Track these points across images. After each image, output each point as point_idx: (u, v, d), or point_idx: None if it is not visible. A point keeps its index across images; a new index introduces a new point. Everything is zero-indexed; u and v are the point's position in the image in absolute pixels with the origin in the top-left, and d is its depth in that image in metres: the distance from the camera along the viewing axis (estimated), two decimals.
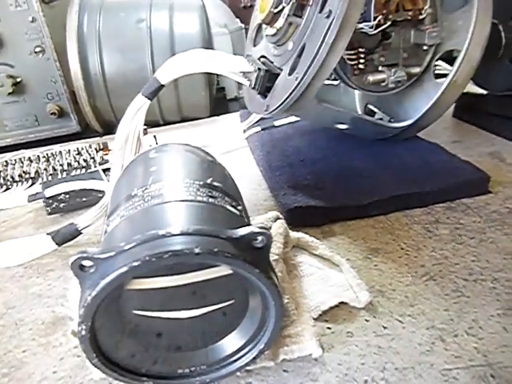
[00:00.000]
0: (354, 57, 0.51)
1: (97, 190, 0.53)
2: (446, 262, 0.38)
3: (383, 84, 0.53)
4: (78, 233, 0.44)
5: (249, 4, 1.41)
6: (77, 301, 0.31)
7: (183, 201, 0.25)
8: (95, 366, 0.25)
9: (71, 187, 0.52)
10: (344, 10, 0.37)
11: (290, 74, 0.43)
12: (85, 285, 0.23)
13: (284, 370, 0.29)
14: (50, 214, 0.53)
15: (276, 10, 0.46)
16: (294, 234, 0.41)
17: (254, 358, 0.27)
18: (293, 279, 0.36)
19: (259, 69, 0.46)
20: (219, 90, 1.03)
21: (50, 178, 0.62)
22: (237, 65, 0.47)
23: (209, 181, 0.28)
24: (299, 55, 0.43)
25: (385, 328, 0.32)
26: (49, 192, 0.52)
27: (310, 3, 0.42)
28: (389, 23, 0.49)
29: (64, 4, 0.88)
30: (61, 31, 0.87)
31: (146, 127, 0.67)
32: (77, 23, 0.78)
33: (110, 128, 0.91)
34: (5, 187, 0.61)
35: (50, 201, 0.52)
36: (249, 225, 0.25)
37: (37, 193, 0.53)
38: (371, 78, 0.53)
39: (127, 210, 0.26)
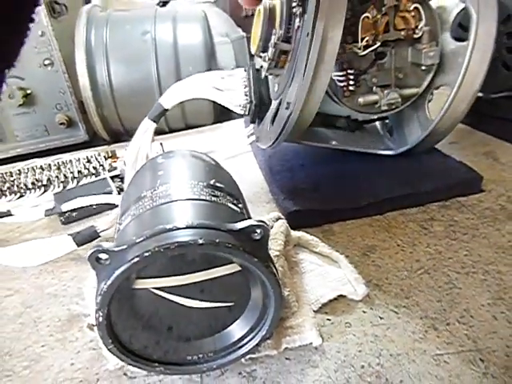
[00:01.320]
0: (343, 78, 0.49)
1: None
2: (439, 256, 0.40)
3: (377, 106, 0.51)
4: (97, 235, 0.46)
5: (250, 13, 1.44)
6: (92, 297, 0.34)
7: (188, 199, 0.28)
8: (111, 352, 0.27)
9: (86, 202, 0.54)
10: (321, 31, 0.37)
11: (284, 107, 0.44)
12: (101, 276, 0.25)
13: (286, 358, 0.31)
14: (64, 223, 0.56)
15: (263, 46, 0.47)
16: (294, 233, 0.43)
17: (257, 345, 0.29)
18: (294, 275, 0.38)
19: (251, 101, 0.49)
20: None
21: (61, 185, 0.64)
22: (234, 97, 0.51)
23: (212, 182, 0.30)
24: (290, 84, 0.43)
25: (381, 318, 0.34)
26: (65, 207, 0.54)
27: (296, 27, 0.43)
28: (378, 44, 0.48)
29: (71, 18, 0.91)
30: (69, 44, 0.90)
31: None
32: (85, 36, 0.81)
33: (117, 136, 0.94)
34: (18, 194, 0.64)
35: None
36: (249, 219, 0.28)
37: (53, 207, 0.56)
38: (362, 99, 0.51)
39: (137, 210, 0.28)
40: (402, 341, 0.31)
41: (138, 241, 0.24)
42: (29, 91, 0.93)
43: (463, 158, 0.54)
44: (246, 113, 0.51)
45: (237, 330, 0.29)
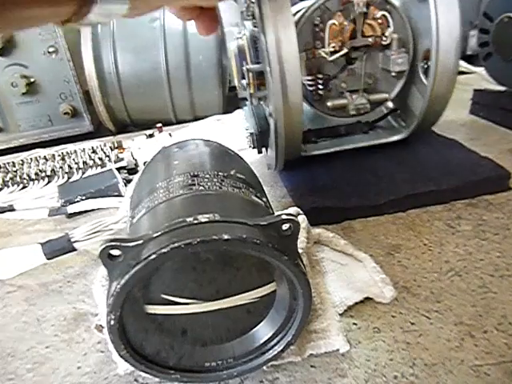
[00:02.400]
0: (312, 82, 0.51)
1: (113, 192, 0.53)
2: (470, 257, 0.37)
3: (346, 110, 0.53)
4: (71, 247, 0.42)
5: None
6: (101, 295, 0.31)
7: (208, 190, 0.25)
8: (123, 358, 0.24)
9: (93, 206, 0.52)
10: (272, 33, 0.40)
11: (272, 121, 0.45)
12: (113, 274, 0.22)
13: (311, 366, 0.29)
14: (68, 217, 0.53)
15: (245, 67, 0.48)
16: (314, 230, 0.40)
17: (282, 351, 0.27)
18: (316, 275, 0.35)
19: (251, 133, 0.51)
20: (231, 88, 1.03)
21: (65, 176, 0.62)
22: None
23: (232, 172, 0.28)
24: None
25: (412, 324, 0.31)
26: (71, 209, 0.52)
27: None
28: (345, 50, 0.49)
29: None
30: (73, 31, 0.87)
31: (160, 125, 0.67)
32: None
33: (123, 127, 0.91)
34: (21, 185, 0.61)
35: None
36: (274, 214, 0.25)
37: (59, 208, 0.53)
38: (330, 103, 0.52)
39: (152, 201, 0.25)
40: (437, 349, 0.29)
41: (155, 235, 0.22)
42: (32, 79, 0.91)
43: (486, 154, 0.52)
44: (251, 145, 0.53)
45: (260, 333, 0.27)
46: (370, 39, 0.49)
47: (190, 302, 0.25)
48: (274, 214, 0.28)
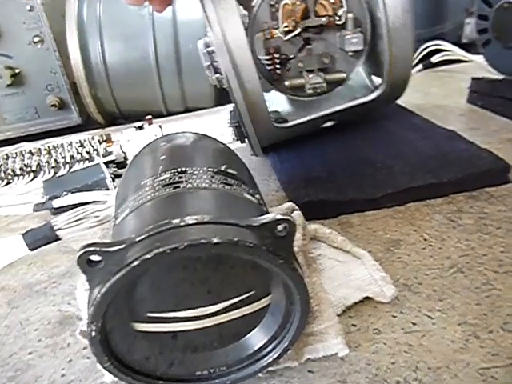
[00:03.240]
0: (269, 62, 0.51)
1: (101, 187, 0.51)
2: (473, 253, 0.36)
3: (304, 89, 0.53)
4: (54, 236, 0.40)
5: None
6: (85, 299, 0.29)
7: (197, 188, 0.23)
8: (107, 370, 0.23)
9: (79, 200, 0.50)
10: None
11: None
12: (94, 281, 0.21)
13: (309, 371, 0.27)
14: (54, 213, 0.51)
15: (208, 63, 0.50)
16: (310, 226, 0.38)
17: (278, 358, 0.25)
18: (312, 273, 0.34)
19: (233, 123, 0.54)
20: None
21: (51, 171, 0.60)
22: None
23: (223, 168, 0.26)
24: None
25: (414, 324, 0.30)
26: (56, 203, 0.50)
27: None
28: (299, 29, 0.50)
29: None
30: (60, 20, 0.84)
31: (150, 117, 0.65)
32: (76, 11, 0.75)
33: (112, 119, 0.89)
34: (6, 181, 0.59)
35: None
36: (268, 213, 0.23)
37: (44, 203, 0.51)
38: (288, 83, 0.53)
39: (137, 201, 0.23)
40: (441, 351, 0.27)
41: (138, 239, 0.20)
42: (17, 70, 0.88)
43: (486, 145, 0.50)
44: (234, 136, 0.54)
45: (254, 339, 0.25)
46: (323, 19, 0.49)
47: (180, 316, 0.23)
48: (267, 211, 0.26)
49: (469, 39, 1.13)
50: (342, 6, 0.49)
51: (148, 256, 0.19)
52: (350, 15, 0.49)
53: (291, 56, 0.52)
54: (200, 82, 0.79)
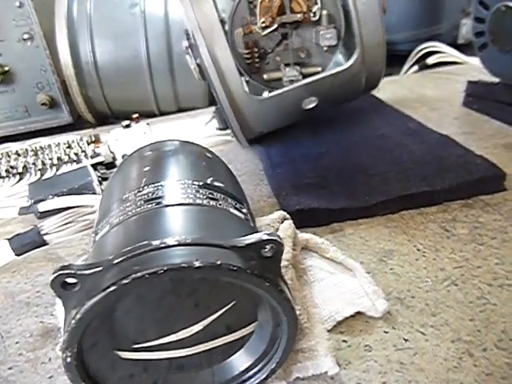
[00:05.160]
0: (248, 56, 0.54)
1: (88, 191, 0.50)
2: (467, 264, 0.35)
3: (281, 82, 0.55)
4: (42, 241, 0.39)
5: None
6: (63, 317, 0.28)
7: (180, 205, 0.22)
8: None
9: (65, 204, 0.48)
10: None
11: None
12: (69, 305, 0.19)
13: None
14: (39, 218, 0.50)
15: (193, 66, 0.54)
16: (302, 235, 0.38)
17: (265, 379, 0.25)
18: (303, 286, 0.33)
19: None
20: None
21: (38, 173, 0.58)
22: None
23: (209, 181, 0.25)
24: None
25: (406, 341, 0.29)
26: (42, 207, 0.49)
27: None
28: (276, 25, 0.52)
29: None
30: (50, 17, 0.82)
31: (137, 115, 0.64)
32: (66, 8, 0.73)
33: (103, 119, 0.87)
34: None
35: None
36: (256, 231, 0.22)
37: (29, 206, 0.50)
38: (266, 76, 0.55)
39: (117, 217, 0.22)
40: (434, 370, 0.27)
41: (115, 262, 0.19)
42: (6, 68, 0.86)
43: (481, 150, 0.49)
44: (219, 126, 0.60)
45: (240, 360, 0.24)
46: (298, 15, 0.52)
47: (164, 341, 0.22)
48: (255, 228, 0.25)
49: (465, 40, 1.13)
50: (316, 3, 0.52)
51: (125, 281, 0.18)
52: (324, 12, 0.52)
53: (269, 50, 0.55)
54: (193, 81, 0.77)
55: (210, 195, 0.24)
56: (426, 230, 0.40)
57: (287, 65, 0.55)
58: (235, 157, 0.61)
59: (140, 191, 0.24)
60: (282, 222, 0.37)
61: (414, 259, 0.36)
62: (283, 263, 0.31)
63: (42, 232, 0.40)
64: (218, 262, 0.18)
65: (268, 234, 0.20)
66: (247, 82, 0.57)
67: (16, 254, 0.40)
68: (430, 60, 0.86)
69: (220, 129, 0.58)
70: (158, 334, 0.23)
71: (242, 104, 0.51)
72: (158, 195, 0.23)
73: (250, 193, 0.50)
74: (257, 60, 0.55)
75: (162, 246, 0.19)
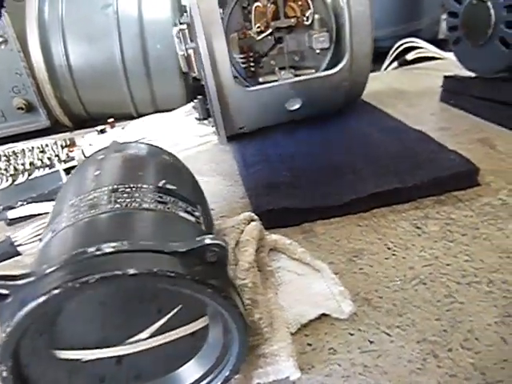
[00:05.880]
0: (244, 60, 0.56)
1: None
2: (436, 262, 0.34)
3: None
4: (15, 251, 0.39)
5: None
6: None
7: (124, 209, 0.21)
8: None
9: (35, 211, 0.48)
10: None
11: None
12: (2, 317, 0.18)
13: None
14: (9, 224, 0.49)
15: (182, 52, 0.55)
16: (270, 236, 0.37)
17: None
18: (268, 288, 0.32)
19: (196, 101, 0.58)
20: (195, 78, 0.98)
21: (10, 179, 0.57)
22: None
23: (160, 184, 0.24)
24: None
25: (371, 343, 0.28)
26: (12, 214, 0.48)
27: None
28: (270, 30, 0.54)
29: None
30: (23, 20, 0.81)
31: (112, 120, 0.62)
32: (37, 10, 0.72)
33: (80, 122, 0.86)
34: None
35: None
36: (208, 233, 0.21)
37: None
38: (261, 79, 0.57)
39: (60, 223, 0.21)
40: (397, 372, 0.26)
41: (48, 271, 0.18)
42: None
43: (456, 145, 0.49)
44: (199, 116, 0.59)
45: (192, 369, 0.23)
46: (292, 20, 0.54)
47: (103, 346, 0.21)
48: (210, 231, 0.24)
49: (446, 35, 1.13)
50: (309, 8, 0.54)
51: (56, 292, 0.17)
52: (316, 16, 0.54)
53: (263, 54, 0.56)
54: (170, 82, 0.76)
55: (159, 199, 0.23)
56: (397, 228, 0.39)
57: (282, 68, 0.57)
58: (211, 158, 0.60)
59: (86, 196, 0.23)
60: (249, 224, 0.36)
61: (384, 258, 0.36)
62: (244, 266, 0.30)
63: (16, 243, 0.40)
64: (155, 269, 0.17)
65: (211, 239, 0.19)
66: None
67: None
68: (410, 56, 0.86)
69: (199, 119, 0.59)
70: (109, 341, 0.22)
71: (228, 91, 0.51)
72: (102, 200, 0.22)
73: (224, 193, 0.50)
74: (252, 64, 0.56)
75: (98, 253, 0.18)
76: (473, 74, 0.63)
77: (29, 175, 0.58)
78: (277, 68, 0.57)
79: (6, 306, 0.18)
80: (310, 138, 0.57)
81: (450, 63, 0.82)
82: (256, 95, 0.53)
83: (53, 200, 0.49)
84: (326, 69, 0.57)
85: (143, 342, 0.22)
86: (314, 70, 0.57)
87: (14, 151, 0.63)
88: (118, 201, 0.22)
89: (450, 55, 0.82)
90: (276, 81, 0.55)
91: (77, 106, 0.80)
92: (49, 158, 0.60)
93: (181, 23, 0.51)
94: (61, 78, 0.75)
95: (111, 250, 0.18)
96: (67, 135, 0.75)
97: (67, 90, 0.76)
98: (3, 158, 0.62)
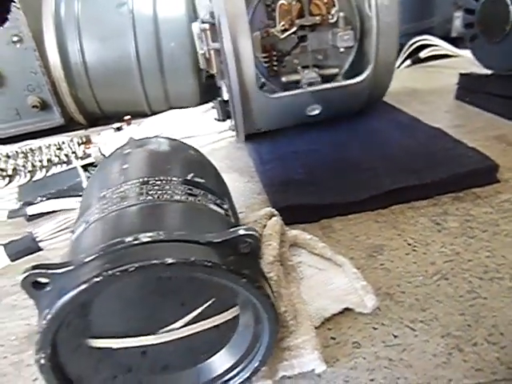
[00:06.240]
0: (267, 59, 0.55)
1: (77, 192, 0.49)
2: (457, 258, 0.34)
3: (299, 84, 0.55)
4: (37, 247, 0.39)
5: None
6: None
7: (157, 201, 0.22)
8: None
9: (54, 207, 0.48)
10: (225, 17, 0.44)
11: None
12: (41, 305, 0.19)
13: None
14: (28, 220, 0.49)
15: (202, 51, 0.53)
16: (291, 232, 0.37)
17: (249, 378, 0.24)
18: (290, 283, 0.32)
19: (216, 101, 0.56)
20: (209, 76, 0.98)
21: (28, 175, 0.58)
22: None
23: (189, 177, 0.24)
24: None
25: (395, 337, 0.28)
26: (30, 210, 0.48)
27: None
28: (295, 28, 0.53)
29: None
30: (38, 19, 0.82)
31: (129, 117, 0.63)
32: (53, 9, 0.73)
33: (94, 120, 0.87)
34: None
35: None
36: (236, 226, 0.22)
37: (18, 209, 0.49)
38: (284, 79, 0.55)
39: (93, 215, 0.22)
40: (422, 366, 0.26)
41: (87, 260, 0.18)
42: None
43: (472, 142, 0.49)
44: (218, 116, 0.57)
45: (223, 359, 0.24)
46: (317, 18, 0.53)
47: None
48: (237, 223, 0.25)
49: (458, 33, 1.12)
50: (334, 6, 0.52)
51: (97, 279, 0.17)
52: (341, 14, 0.53)
53: (286, 53, 0.55)
54: (183, 80, 0.77)
55: (189, 191, 0.23)
56: (416, 224, 0.39)
57: (304, 67, 0.56)
58: (227, 155, 0.60)
59: (118, 188, 0.23)
60: (270, 219, 0.36)
61: (404, 254, 0.36)
62: (269, 259, 0.30)
63: (37, 239, 0.40)
64: (192, 259, 0.18)
65: (245, 229, 0.19)
66: (263, 85, 0.57)
67: (11, 260, 0.40)
68: (423, 54, 0.86)
69: (218, 120, 0.58)
70: (139, 332, 0.22)
71: (252, 96, 0.51)
72: (135, 192, 0.22)
73: (241, 189, 0.50)
74: (275, 63, 0.55)
75: (135, 242, 0.18)
76: (489, 72, 0.62)
77: (46, 172, 0.58)
78: (299, 67, 0.56)
79: (45, 294, 0.19)
80: (325, 136, 0.57)
81: (463, 61, 0.82)
82: (277, 102, 0.53)
83: (72, 196, 0.50)
84: (348, 68, 0.57)
85: (174, 331, 0.22)
86: (337, 69, 0.56)
87: (31, 148, 0.64)
88: (150, 193, 0.22)
89: (464, 53, 0.82)
90: (299, 81, 0.55)
91: (91, 104, 0.81)
92: (66, 155, 0.61)
93: (203, 22, 0.50)
94: (76, 77, 0.75)
95: (148, 239, 0.18)
96: (82, 132, 0.76)
97: (82, 88, 0.77)
98: (21, 155, 0.62)
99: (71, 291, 0.17)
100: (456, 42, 0.92)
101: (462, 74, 0.65)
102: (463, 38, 0.68)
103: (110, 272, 0.17)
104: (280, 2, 0.52)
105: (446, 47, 0.83)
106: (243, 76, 0.48)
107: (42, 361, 0.19)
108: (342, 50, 0.54)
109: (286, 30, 0.53)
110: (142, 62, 0.74)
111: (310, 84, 0.54)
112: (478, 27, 0.57)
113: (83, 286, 0.17)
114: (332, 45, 0.55)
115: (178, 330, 0.22)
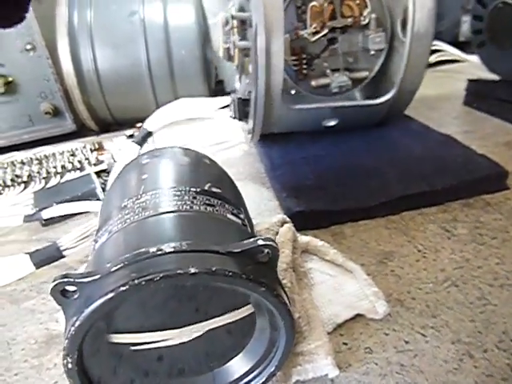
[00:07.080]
0: (296, 62, 0.53)
1: (91, 198, 0.50)
2: (467, 265, 0.35)
3: (329, 88, 0.54)
4: (60, 255, 0.40)
5: None
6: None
7: (177, 212, 0.22)
8: None
9: (68, 210, 0.49)
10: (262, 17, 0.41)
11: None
12: (69, 312, 0.20)
13: None
14: (44, 225, 0.51)
15: (227, 45, 0.51)
16: (302, 238, 0.38)
17: (264, 382, 0.25)
18: (303, 289, 0.33)
19: (233, 99, 0.52)
20: (218, 82, 0.99)
21: (43, 181, 0.59)
22: (215, 104, 0.57)
23: (206, 187, 0.25)
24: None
25: (406, 342, 0.29)
26: (46, 214, 0.49)
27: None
28: (326, 30, 0.52)
29: None
30: (51, 27, 0.83)
31: (140, 124, 0.64)
32: (67, 18, 0.74)
33: (106, 126, 0.88)
34: None
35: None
36: (253, 236, 0.22)
37: (33, 214, 0.51)
38: (314, 82, 0.54)
39: (116, 225, 0.23)
40: (433, 372, 0.27)
41: (113, 269, 0.19)
42: (10, 79, 0.87)
43: (481, 148, 0.49)
44: (233, 114, 0.54)
45: (239, 364, 0.25)
46: (349, 19, 0.51)
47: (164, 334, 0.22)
48: (253, 233, 0.26)
49: (466, 37, 1.12)
50: (366, 7, 0.51)
51: (123, 288, 0.18)
52: (373, 15, 0.51)
53: (316, 56, 0.54)
54: (193, 87, 0.78)
55: (207, 201, 0.24)
56: (426, 230, 0.40)
57: (335, 70, 0.54)
58: (237, 161, 0.61)
59: (138, 199, 0.24)
60: (282, 226, 0.37)
61: (415, 260, 0.36)
62: (282, 266, 0.31)
63: (62, 248, 0.42)
64: (213, 268, 0.19)
65: (264, 240, 0.20)
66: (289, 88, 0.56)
67: (36, 268, 0.41)
68: (431, 59, 0.86)
69: (234, 118, 0.56)
70: (157, 338, 0.23)
71: (275, 104, 0.48)
72: (155, 203, 0.23)
73: (252, 196, 0.51)
74: (304, 66, 0.54)
75: (159, 253, 0.19)
76: (497, 77, 0.63)
77: (61, 178, 0.60)
78: (329, 70, 0.54)
79: (72, 302, 0.20)
80: (334, 142, 0.57)
81: (471, 66, 0.82)
82: (296, 112, 0.52)
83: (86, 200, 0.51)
84: (377, 72, 0.55)
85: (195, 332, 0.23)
86: (367, 72, 0.55)
87: (45, 155, 0.65)
88: (170, 203, 0.23)
89: (472, 58, 0.82)
90: (329, 85, 0.54)
91: (103, 111, 0.82)
92: (79, 162, 0.62)
93: (233, 17, 0.48)
94: (88, 84, 0.77)
95: (171, 249, 0.19)
96: (94, 139, 0.77)
97: (94, 95, 0.79)
98: (35, 162, 0.64)
99: (98, 299, 0.18)
100: (464, 46, 0.93)
101: (470, 80, 0.65)
102: (471, 42, 0.68)
103: (136, 281, 0.18)
104: (311, 4, 0.50)
105: (453, 52, 0.84)
106: (271, 82, 0.46)
107: (70, 365, 0.20)
108: (372, 52, 0.53)
109: (316, 33, 0.52)
110: (152, 70, 0.76)
111: (340, 87, 0.54)
112: (487, 34, 0.58)
113: (110, 295, 0.18)
114: (362, 47, 0.54)
115: (195, 327, 0.23)
